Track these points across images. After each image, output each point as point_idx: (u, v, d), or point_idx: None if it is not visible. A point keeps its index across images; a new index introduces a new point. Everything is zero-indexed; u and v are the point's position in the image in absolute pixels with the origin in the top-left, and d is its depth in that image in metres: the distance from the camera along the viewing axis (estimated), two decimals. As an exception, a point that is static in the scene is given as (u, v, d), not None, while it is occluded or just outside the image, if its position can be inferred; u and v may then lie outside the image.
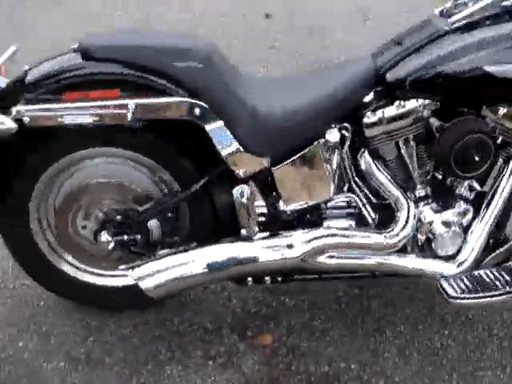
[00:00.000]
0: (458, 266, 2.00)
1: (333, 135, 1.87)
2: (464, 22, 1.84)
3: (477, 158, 1.85)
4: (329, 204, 2.02)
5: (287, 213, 1.97)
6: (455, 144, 1.84)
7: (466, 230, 2.03)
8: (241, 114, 1.81)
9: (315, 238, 1.89)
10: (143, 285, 1.87)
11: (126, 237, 1.94)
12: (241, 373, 2.06)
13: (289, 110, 1.85)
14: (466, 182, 2.02)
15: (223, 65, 1.85)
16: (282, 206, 1.95)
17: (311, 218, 2.00)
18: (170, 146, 1.90)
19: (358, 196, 2.01)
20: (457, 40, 1.82)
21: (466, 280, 1.99)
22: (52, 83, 1.76)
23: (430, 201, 2.02)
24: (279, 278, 2.04)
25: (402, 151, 1.95)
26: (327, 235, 1.90)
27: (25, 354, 2.11)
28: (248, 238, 1.90)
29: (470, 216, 2.04)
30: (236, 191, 1.85)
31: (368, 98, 1.90)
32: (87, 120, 1.75)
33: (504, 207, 2.05)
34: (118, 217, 1.95)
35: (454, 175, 1.91)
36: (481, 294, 1.94)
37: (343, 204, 2.04)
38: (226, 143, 1.82)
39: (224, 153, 1.83)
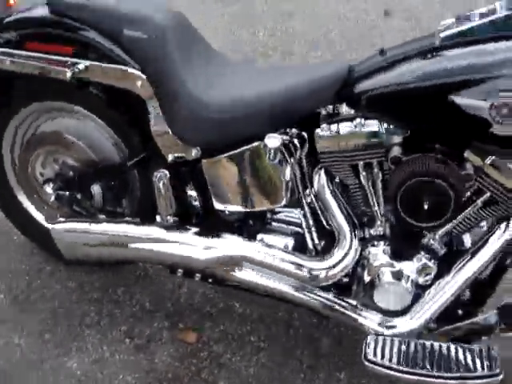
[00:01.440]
0: (395, 327, 1.72)
1: (271, 140, 1.65)
2: (455, 40, 1.53)
3: (426, 207, 1.55)
4: (271, 215, 1.84)
5: (219, 212, 1.83)
6: (401, 185, 1.55)
7: (422, 288, 1.74)
8: (177, 96, 1.69)
9: (224, 247, 1.74)
10: (57, 239, 1.88)
11: (67, 193, 1.95)
12: (150, 360, 1.99)
13: (230, 101, 1.68)
14: (437, 234, 1.72)
15: (181, 42, 1.74)
16: (213, 203, 1.81)
17: (245, 224, 1.84)
18: (121, 112, 1.86)
19: (304, 215, 1.79)
20: (438, 59, 1.52)
21: (396, 345, 1.69)
22: (19, 31, 1.81)
23: (385, 243, 1.74)
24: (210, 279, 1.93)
25: (362, 178, 1.68)
26: (237, 247, 1.73)
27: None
28: (160, 225, 1.80)
29: (431, 275, 1.73)
30: (155, 175, 1.76)
31: (329, 108, 1.68)
32: (34, 71, 1.78)
33: (484, 277, 1.73)
34: (70, 173, 1.97)
35: (403, 222, 1.63)
36: (400, 368, 1.64)
37: (289, 219, 1.84)
38: (158, 123, 1.73)
39: (154, 133, 1.74)
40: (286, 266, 1.72)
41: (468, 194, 1.61)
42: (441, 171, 1.51)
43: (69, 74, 1.73)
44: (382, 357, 1.66)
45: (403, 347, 1.68)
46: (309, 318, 2.10)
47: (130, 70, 1.71)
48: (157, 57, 1.69)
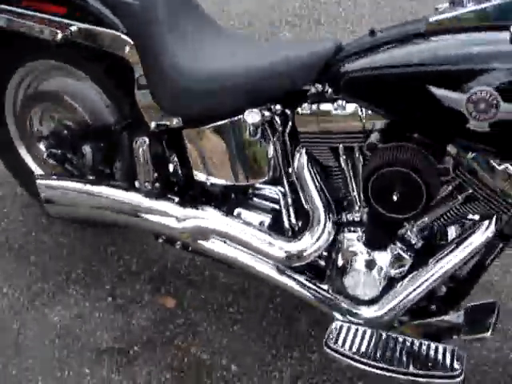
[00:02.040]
0: (362, 316, 1.69)
1: (251, 115, 1.61)
2: (442, 27, 1.44)
3: (395, 198, 1.50)
4: (252, 190, 1.82)
5: (199, 184, 1.82)
6: (373, 173, 1.50)
7: (395, 280, 1.70)
8: (160, 64, 1.67)
9: (198, 218, 1.74)
10: (42, 195, 1.93)
11: (59, 152, 1.99)
12: (127, 321, 2.03)
13: (212, 72, 1.66)
14: (415, 226, 1.66)
15: (173, 8, 1.72)
16: (194, 174, 1.80)
17: (224, 197, 1.83)
18: (112, 76, 1.86)
19: (284, 194, 1.77)
20: (420, 46, 1.44)
21: (360, 335, 1.66)
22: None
23: (361, 230, 1.69)
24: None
25: (341, 161, 1.64)
26: (211, 220, 1.73)
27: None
28: (139, 191, 1.82)
29: (405, 267, 1.68)
30: (136, 141, 1.76)
31: (318, 87, 1.61)
32: (26, 30, 1.79)
33: (462, 275, 1.68)
34: (64, 131, 2.00)
35: (374, 211, 1.58)
36: (362, 359, 1.61)
37: (269, 196, 1.81)
38: (141, 90, 1.72)
39: (138, 99, 1.74)
40: (257, 243, 1.71)
41: (450, 188, 1.55)
42: (413, 162, 1.44)
43: (60, 36, 1.74)
44: (344, 345, 1.65)
45: (367, 337, 1.65)
46: (291, 297, 2.09)
47: (119, 35, 1.71)
48: (144, 22, 1.68)
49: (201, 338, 2.00)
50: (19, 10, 1.79)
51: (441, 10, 1.52)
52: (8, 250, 2.24)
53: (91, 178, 1.97)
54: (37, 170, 2.21)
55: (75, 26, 1.75)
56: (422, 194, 1.47)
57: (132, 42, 1.69)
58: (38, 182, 1.94)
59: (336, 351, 1.64)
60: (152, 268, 2.19)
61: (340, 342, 1.65)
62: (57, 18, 1.75)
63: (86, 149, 1.97)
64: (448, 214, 1.60)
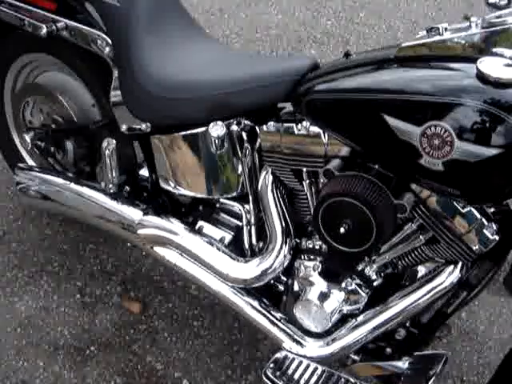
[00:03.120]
0: (307, 349, 1.60)
1: (214, 128, 1.58)
2: (411, 53, 1.37)
3: (342, 230, 1.41)
4: (218, 204, 1.76)
5: (165, 192, 1.78)
6: (325, 201, 1.43)
7: (349, 316, 1.61)
8: (132, 68, 1.65)
9: (156, 227, 1.71)
10: (19, 185, 1.95)
11: (43, 145, 2.00)
12: (91, 320, 2.02)
13: (180, 81, 1.62)
14: (375, 263, 1.57)
15: (155, 13, 1.70)
16: (159, 181, 1.77)
17: (189, 208, 1.79)
18: (96, 75, 1.86)
19: (248, 212, 1.70)
20: (383, 72, 1.37)
21: (301, 369, 1.59)
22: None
23: (319, 259, 1.62)
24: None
25: (305, 185, 1.57)
26: (170, 231, 1.69)
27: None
28: (102, 191, 1.81)
29: (359, 304, 1.60)
30: (103, 141, 1.75)
31: (280, 104, 1.58)
32: (15, 21, 1.82)
33: (423, 321, 1.58)
34: (51, 126, 2.01)
35: (324, 241, 1.50)
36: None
37: (234, 212, 1.76)
38: (115, 92, 1.71)
39: (112, 100, 1.73)
40: (210, 259, 1.66)
41: (413, 226, 1.47)
42: (364, 194, 1.36)
43: (44, 30, 1.75)
44: (282, 377, 1.57)
45: (309, 372, 1.58)
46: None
47: (101, 35, 1.70)
48: (122, 23, 1.67)
49: (159, 346, 1.97)
50: (13, 2, 1.83)
51: (417, 37, 1.45)
52: (-8, 234, 2.29)
53: (70, 174, 1.98)
54: (30, 160, 2.25)
55: (62, 23, 1.76)
56: (371, 228, 1.39)
57: (111, 42, 1.69)
58: (16, 170, 1.97)
59: (273, 382, 1.57)
60: (126, 271, 2.18)
61: (279, 373, 1.58)
62: (45, 13, 1.76)
63: (69, 145, 1.98)
64: (411, 254, 1.51)
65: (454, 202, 1.38)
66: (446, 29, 1.38)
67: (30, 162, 2.23)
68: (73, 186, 1.86)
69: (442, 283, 1.50)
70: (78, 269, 2.17)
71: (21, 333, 1.98)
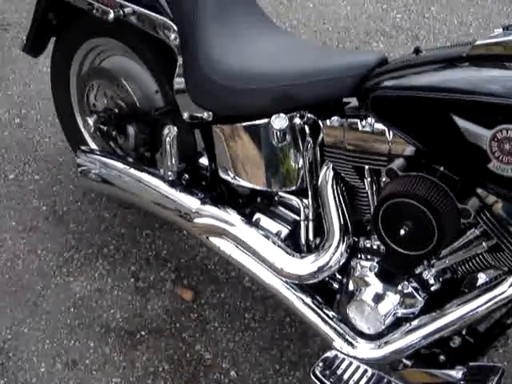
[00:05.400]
0: (357, 351, 1.56)
1: (277, 121, 1.55)
2: (484, 52, 1.29)
3: (403, 232, 1.36)
4: (277, 198, 1.74)
5: (224, 181, 1.77)
6: (385, 201, 1.38)
7: (404, 320, 1.56)
8: (197, 55, 1.64)
9: (213, 217, 1.70)
10: (80, 168, 1.99)
11: (105, 128, 2.01)
12: (143, 305, 2.04)
13: (245, 71, 1.60)
14: (434, 267, 1.51)
15: (221, 1, 1.68)
16: (219, 171, 1.76)
17: (248, 200, 1.78)
18: (160, 63, 1.86)
19: (307, 207, 1.67)
20: (455, 71, 1.31)
21: (351, 370, 1.55)
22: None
23: (377, 259, 1.57)
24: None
25: (366, 183, 1.53)
26: (227, 222, 1.68)
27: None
28: (161, 178, 1.81)
29: (415, 308, 1.55)
30: (165, 128, 1.75)
31: (346, 99, 1.55)
32: (83, 5, 1.85)
33: (481, 330, 1.52)
34: (115, 110, 2.03)
35: (384, 243, 1.45)
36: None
37: (292, 206, 1.73)
38: (179, 79, 1.70)
39: (175, 87, 1.72)
40: (265, 253, 1.65)
41: (476, 232, 1.41)
42: (427, 196, 1.31)
43: (111, 16, 1.77)
44: (331, 377, 1.54)
45: (358, 375, 1.55)
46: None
47: (166, 21, 1.70)
48: (188, 12, 1.66)
49: (208, 336, 1.97)
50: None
51: (492, 35, 1.38)
52: (52, 213, 2.32)
53: (130, 159, 2.00)
54: (92, 143, 2.29)
55: (129, 8, 1.77)
56: (432, 232, 1.34)
57: (176, 29, 1.69)
58: (78, 152, 2.00)
59: (320, 381, 1.54)
60: (180, 258, 2.18)
61: (328, 372, 1.55)
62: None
63: (130, 130, 2.00)
64: (472, 260, 1.46)
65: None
66: (525, 26, 1.32)
67: (92, 145, 2.26)
68: (132, 171, 1.88)
69: (503, 292, 1.44)
70: (134, 253, 2.19)
71: (74, 313, 2.02)
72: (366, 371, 1.55)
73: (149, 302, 2.05)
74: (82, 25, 2.05)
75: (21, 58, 2.82)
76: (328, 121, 1.53)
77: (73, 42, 2.13)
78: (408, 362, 1.60)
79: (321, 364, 1.57)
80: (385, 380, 1.53)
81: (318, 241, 1.69)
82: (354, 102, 1.58)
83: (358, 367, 1.56)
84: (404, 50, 2.98)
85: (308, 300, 1.66)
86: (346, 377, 1.54)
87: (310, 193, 1.67)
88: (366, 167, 1.50)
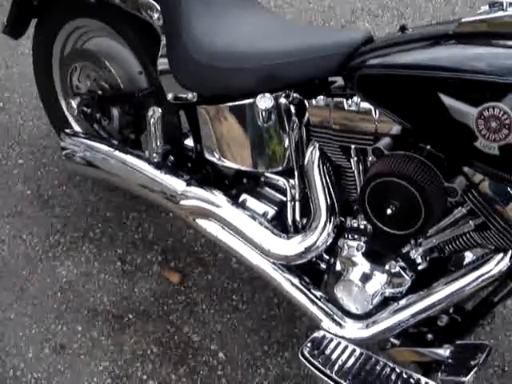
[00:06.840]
0: (345, 330, 1.57)
1: (262, 100, 1.53)
2: (470, 29, 1.29)
3: (389, 211, 1.36)
4: (263, 178, 1.73)
5: (209, 163, 1.76)
6: (371, 181, 1.38)
7: (391, 299, 1.57)
8: (180, 35, 1.61)
9: (199, 199, 1.68)
10: (64, 151, 1.97)
11: (89, 111, 1.99)
12: (130, 288, 2.04)
13: (230, 51, 1.58)
14: (422, 246, 1.52)
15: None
16: (204, 152, 1.75)
17: (234, 181, 1.77)
18: (144, 43, 1.83)
19: (293, 187, 1.67)
20: (441, 49, 1.31)
21: (339, 350, 1.55)
22: None
23: (364, 239, 1.58)
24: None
25: (352, 163, 1.52)
26: (213, 203, 1.67)
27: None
28: (147, 160, 1.80)
29: (402, 287, 1.55)
30: (149, 110, 1.73)
31: (331, 79, 1.53)
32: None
33: (468, 308, 1.53)
34: (98, 92, 2.00)
35: (370, 223, 1.45)
36: (328, 373, 1.49)
37: (279, 186, 1.72)
38: (162, 60, 1.68)
39: (159, 68, 1.70)
40: (252, 234, 1.64)
41: (463, 211, 1.40)
42: (413, 175, 1.31)
43: (92, -6, 1.74)
44: (320, 357, 1.55)
45: (346, 354, 1.55)
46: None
47: (150, 2, 1.67)
48: (171, -5, 1.64)
49: (196, 318, 1.96)
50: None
51: (478, 12, 1.37)
52: (37, 198, 2.30)
53: (115, 142, 1.98)
54: (76, 126, 2.26)
55: None
56: (419, 211, 1.34)
57: (160, 9, 1.66)
58: (62, 135, 1.97)
59: (309, 362, 1.54)
60: (167, 240, 2.17)
61: (316, 352, 1.56)
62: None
63: (114, 112, 1.97)
64: (459, 239, 1.46)
65: (508, 188, 1.32)
66: (510, 3, 1.31)
67: (76, 128, 2.23)
68: (117, 153, 1.86)
69: (490, 271, 1.45)
70: (120, 236, 2.18)
71: (61, 297, 2.01)
72: (354, 351, 1.55)
73: (136, 285, 2.04)
74: (63, 6, 2.01)
75: (2, 40, 2.77)
76: (314, 100, 1.51)
77: (54, 23, 2.09)
78: (396, 341, 1.61)
79: (309, 344, 1.57)
80: (373, 359, 1.53)
81: (304, 221, 1.69)
82: (339, 81, 1.57)
83: (346, 347, 1.56)
84: (390, 29, 2.98)
85: (295, 281, 1.65)
86: (334, 356, 1.54)
87: (296, 173, 1.66)
88: (353, 147, 1.49)
